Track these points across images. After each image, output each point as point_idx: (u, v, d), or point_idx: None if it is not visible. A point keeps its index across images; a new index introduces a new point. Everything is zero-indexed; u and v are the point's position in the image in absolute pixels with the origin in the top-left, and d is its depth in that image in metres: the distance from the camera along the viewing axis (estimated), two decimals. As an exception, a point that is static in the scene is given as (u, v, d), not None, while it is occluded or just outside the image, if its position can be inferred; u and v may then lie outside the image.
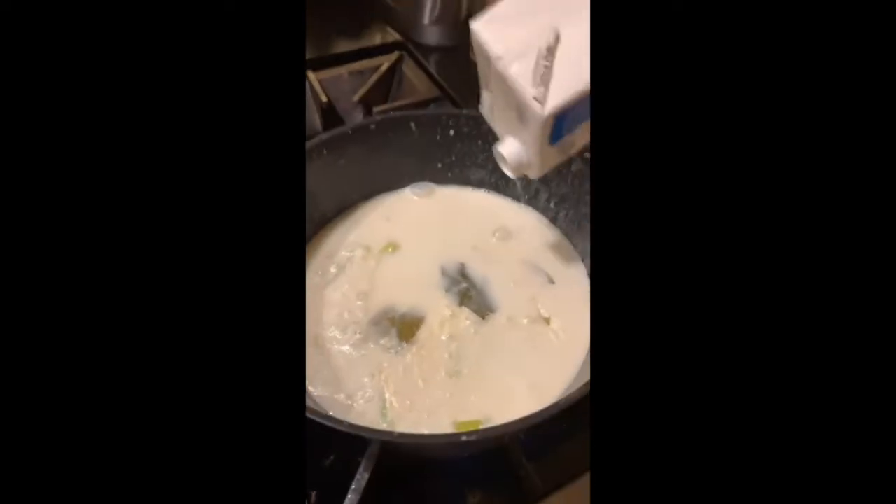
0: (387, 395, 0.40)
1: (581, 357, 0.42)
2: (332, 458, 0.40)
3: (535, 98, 0.32)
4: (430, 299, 0.45)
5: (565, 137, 0.36)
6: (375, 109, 0.61)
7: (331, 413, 0.36)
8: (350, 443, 0.38)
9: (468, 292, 0.46)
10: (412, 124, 0.49)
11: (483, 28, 0.33)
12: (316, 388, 0.40)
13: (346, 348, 0.42)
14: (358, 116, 0.63)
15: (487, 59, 0.33)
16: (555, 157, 0.38)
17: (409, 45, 0.73)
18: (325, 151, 0.46)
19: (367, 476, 0.35)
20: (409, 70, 0.70)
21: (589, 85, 0.31)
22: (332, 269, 0.47)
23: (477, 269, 0.47)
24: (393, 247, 0.49)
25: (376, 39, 0.76)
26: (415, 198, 0.53)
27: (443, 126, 0.50)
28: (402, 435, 0.33)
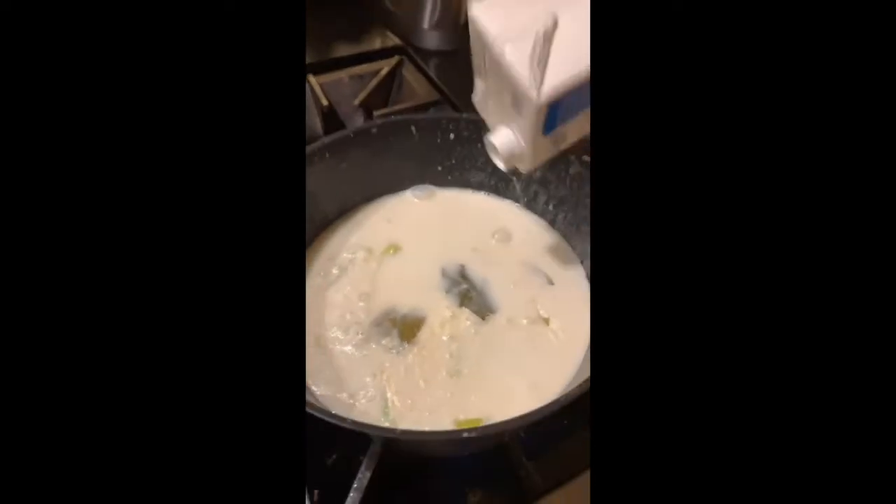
0: (388, 395, 0.40)
1: (580, 357, 0.42)
2: (334, 457, 0.40)
3: (530, 82, 0.31)
4: (431, 300, 0.45)
5: (559, 128, 0.35)
6: (376, 113, 0.61)
7: (333, 412, 0.37)
8: (352, 442, 0.39)
9: (468, 293, 0.46)
10: (413, 128, 0.50)
11: (482, 11, 0.32)
12: (319, 388, 0.40)
13: (348, 349, 0.43)
14: (358, 120, 0.63)
15: (484, 42, 0.33)
16: (547, 150, 0.38)
17: (409, 50, 0.73)
18: (327, 155, 0.47)
19: (368, 475, 0.36)
20: (409, 74, 0.70)
21: (585, 72, 0.31)
22: (335, 271, 0.47)
23: (477, 271, 0.48)
24: (394, 248, 0.49)
25: (376, 44, 0.76)
26: (415, 200, 0.53)
27: (443, 130, 0.50)
28: (404, 432, 0.33)
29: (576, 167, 0.47)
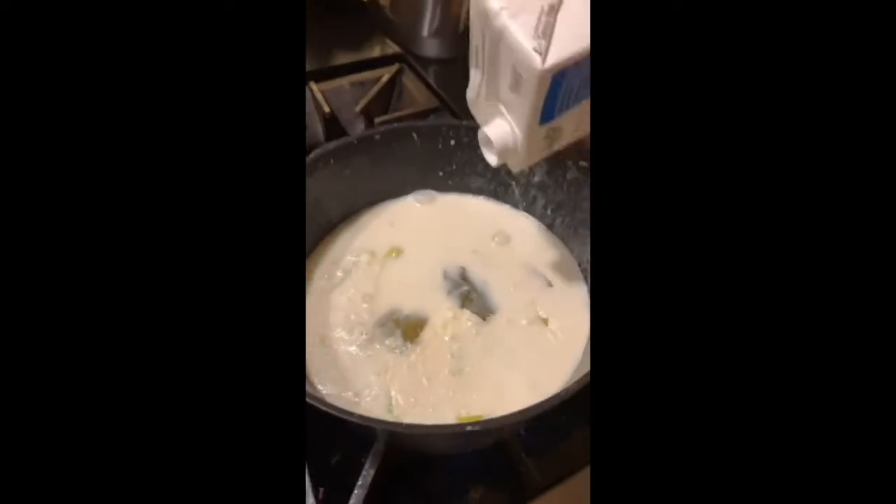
0: (392, 393, 0.41)
1: (578, 356, 0.43)
2: (338, 456, 0.41)
3: (535, 52, 0.30)
4: (433, 301, 0.46)
5: (556, 118, 0.35)
6: (376, 120, 0.62)
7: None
8: (355, 441, 0.40)
9: (469, 295, 0.47)
10: (414, 135, 0.51)
11: None
12: (325, 387, 0.41)
13: (352, 349, 0.43)
14: (359, 126, 0.64)
15: (486, 18, 0.32)
16: (540, 147, 0.37)
17: (409, 57, 0.74)
18: (331, 161, 0.47)
19: (372, 472, 0.36)
20: (409, 81, 0.71)
21: (588, 49, 0.31)
22: (339, 274, 0.48)
23: (477, 273, 0.48)
24: (397, 252, 0.50)
25: (376, 51, 0.77)
26: (417, 205, 0.54)
27: (444, 136, 0.51)
28: (409, 426, 0.34)
29: (573, 172, 0.48)
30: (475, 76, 0.37)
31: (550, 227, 0.52)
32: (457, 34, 0.76)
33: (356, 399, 0.41)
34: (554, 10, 0.30)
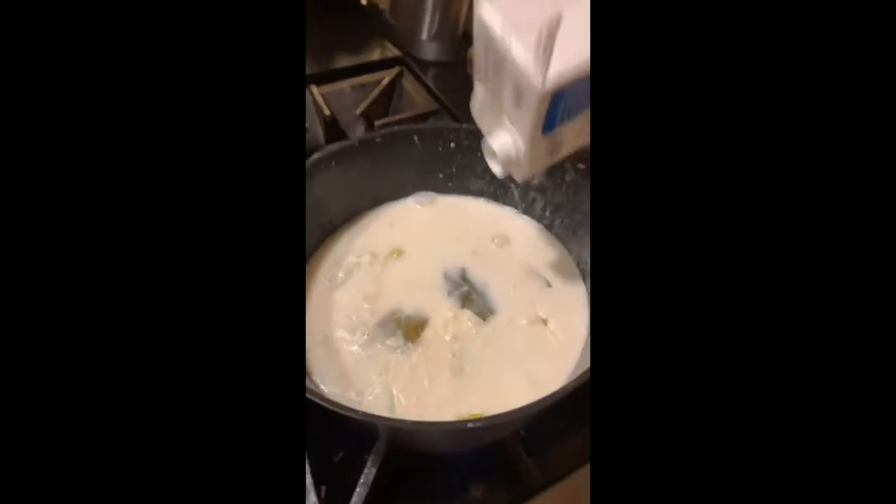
0: (394, 392, 0.41)
1: (577, 355, 0.43)
2: (340, 455, 0.41)
3: (535, 69, 0.31)
4: (434, 302, 0.47)
5: (557, 128, 0.35)
6: (377, 123, 0.62)
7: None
8: (357, 440, 0.40)
9: (469, 295, 0.47)
10: (415, 137, 0.51)
11: (489, 10, 0.33)
12: (327, 386, 0.42)
13: (354, 348, 0.44)
14: (359, 129, 0.64)
15: (489, 38, 0.33)
16: (544, 157, 0.38)
17: (409, 60, 0.75)
18: (333, 163, 0.48)
19: (374, 471, 0.37)
20: (409, 84, 0.72)
21: (588, 64, 0.31)
22: (341, 274, 0.49)
23: (477, 274, 0.49)
24: (398, 252, 0.51)
25: (376, 55, 0.77)
26: (418, 206, 0.54)
27: (444, 139, 0.52)
28: (413, 422, 0.34)
29: (571, 175, 0.48)
30: (479, 89, 0.38)
31: (549, 228, 0.53)
32: (456, 38, 0.77)
33: (358, 399, 0.41)
34: (554, 30, 0.30)
